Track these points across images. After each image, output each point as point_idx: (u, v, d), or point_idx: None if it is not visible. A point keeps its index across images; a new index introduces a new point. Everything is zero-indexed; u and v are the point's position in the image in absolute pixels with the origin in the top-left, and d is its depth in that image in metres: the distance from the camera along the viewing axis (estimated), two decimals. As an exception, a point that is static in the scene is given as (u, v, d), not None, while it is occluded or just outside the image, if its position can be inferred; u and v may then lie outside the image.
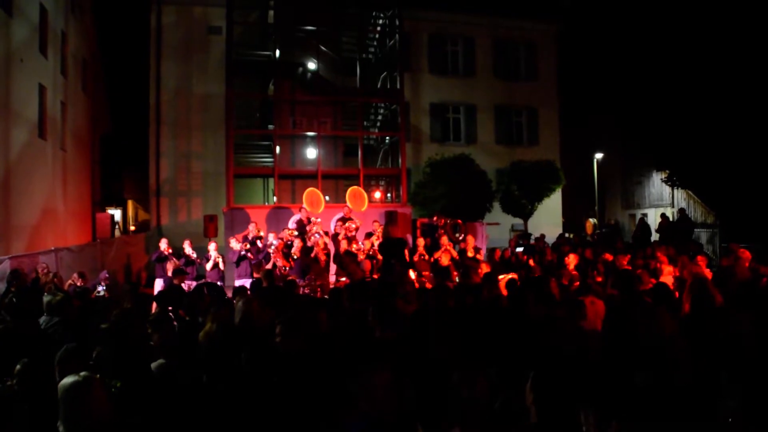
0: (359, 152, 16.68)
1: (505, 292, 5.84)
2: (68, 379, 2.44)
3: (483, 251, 12.33)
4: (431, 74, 22.31)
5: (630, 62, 22.06)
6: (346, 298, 5.52)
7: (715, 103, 17.09)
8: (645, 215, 21.47)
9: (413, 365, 3.41)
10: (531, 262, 10.20)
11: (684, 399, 2.84)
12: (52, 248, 11.10)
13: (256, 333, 4.22)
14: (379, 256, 10.99)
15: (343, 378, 2.89)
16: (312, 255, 10.25)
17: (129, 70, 24.07)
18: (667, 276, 7.30)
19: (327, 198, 14.95)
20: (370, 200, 14.66)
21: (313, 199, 13.34)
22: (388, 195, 18.33)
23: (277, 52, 16.51)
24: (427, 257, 10.72)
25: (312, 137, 17.51)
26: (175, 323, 4.37)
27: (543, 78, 23.52)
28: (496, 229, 18.41)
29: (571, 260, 9.04)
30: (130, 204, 29.09)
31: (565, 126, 23.86)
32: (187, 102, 19.53)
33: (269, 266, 10.02)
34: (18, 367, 3.17)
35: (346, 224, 11.70)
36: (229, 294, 6.91)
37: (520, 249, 12.84)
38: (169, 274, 10.12)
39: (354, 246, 11.25)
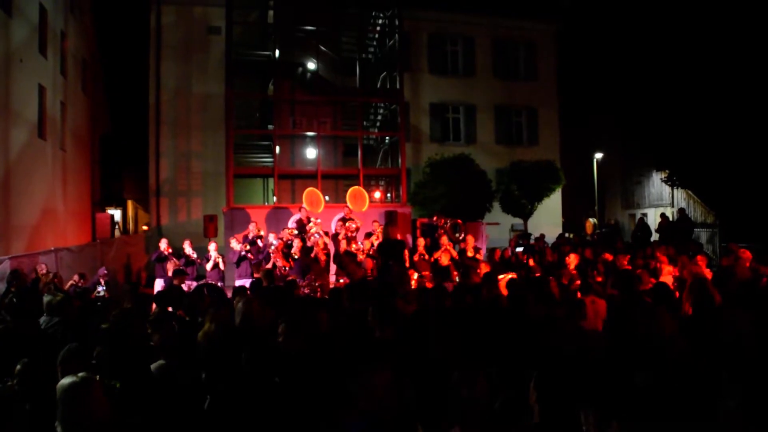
0: (359, 152, 16.67)
1: (505, 292, 5.84)
2: (66, 380, 2.44)
3: (483, 251, 12.33)
4: (431, 74, 22.31)
5: (630, 62, 22.06)
6: (346, 298, 5.53)
7: (714, 103, 17.09)
8: (645, 215, 21.48)
9: (413, 365, 3.41)
10: (531, 262, 10.21)
11: (684, 399, 2.84)
12: (52, 248, 11.10)
13: (256, 333, 4.23)
14: (379, 258, 10.98)
15: (343, 378, 2.89)
16: (312, 255, 10.24)
17: (129, 70, 24.10)
18: (667, 276, 7.30)
19: (327, 198, 14.95)
20: (370, 200, 14.66)
21: (312, 199, 13.35)
22: (388, 195, 18.33)
23: (277, 52, 16.50)
24: (427, 257, 10.72)
25: (312, 137, 17.51)
26: (174, 323, 4.35)
27: (543, 78, 23.53)
28: (496, 229, 18.42)
29: (572, 260, 9.05)
30: (130, 204, 29.09)
31: (565, 126, 23.86)
32: (187, 102, 19.53)
33: (269, 266, 10.02)
34: (18, 367, 3.18)
35: (347, 224, 11.70)
36: (230, 294, 6.91)
37: (520, 249, 12.85)
38: (170, 274, 10.12)
39: (353, 246, 11.25)
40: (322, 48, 17.37)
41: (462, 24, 22.42)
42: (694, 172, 18.10)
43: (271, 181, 16.72)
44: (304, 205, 12.86)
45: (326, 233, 11.69)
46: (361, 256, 11.06)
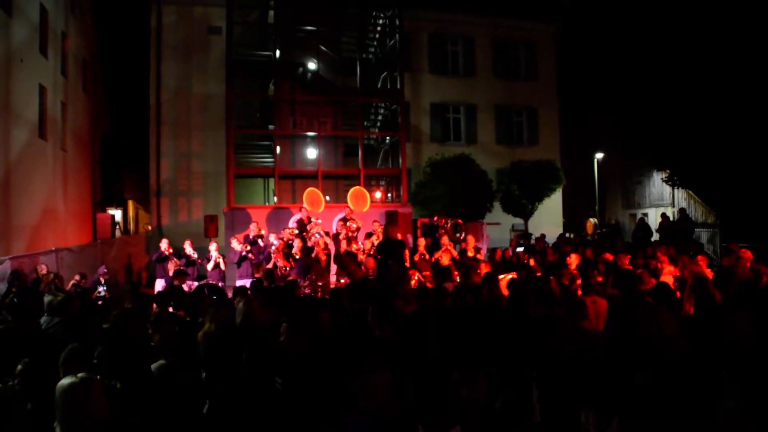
0: (359, 152, 16.68)
1: (506, 292, 5.84)
2: (66, 381, 2.44)
3: (483, 251, 12.33)
4: (431, 74, 22.31)
5: (630, 62, 22.05)
6: (346, 298, 5.52)
7: (715, 103, 17.08)
8: (645, 215, 21.46)
9: (413, 365, 3.41)
10: (531, 262, 10.20)
11: (684, 399, 2.84)
12: (53, 248, 11.10)
13: (256, 333, 4.22)
14: (378, 257, 10.97)
15: (344, 378, 2.89)
16: (313, 255, 10.24)
17: (129, 70, 24.12)
18: (668, 276, 7.29)
19: (327, 198, 14.95)
20: (371, 200, 14.66)
21: (313, 199, 13.35)
22: (389, 195, 18.34)
23: (277, 52, 16.51)
24: (427, 257, 10.71)
25: (312, 137, 17.51)
26: (175, 324, 4.35)
27: (543, 78, 23.53)
28: (496, 229, 18.41)
29: (573, 260, 9.04)
30: (130, 204, 29.09)
31: (565, 126, 23.86)
32: (187, 102, 19.53)
33: (270, 266, 10.02)
34: (19, 367, 3.18)
35: (348, 224, 11.69)
36: (230, 294, 6.91)
37: (520, 249, 12.84)
38: (170, 274, 10.12)
39: (354, 246, 11.25)
40: (323, 48, 17.37)
41: (462, 24, 22.42)
42: (695, 172, 18.08)
43: (271, 181, 16.73)
44: (305, 205, 12.86)
45: (327, 233, 11.69)
46: (361, 256, 11.05)
